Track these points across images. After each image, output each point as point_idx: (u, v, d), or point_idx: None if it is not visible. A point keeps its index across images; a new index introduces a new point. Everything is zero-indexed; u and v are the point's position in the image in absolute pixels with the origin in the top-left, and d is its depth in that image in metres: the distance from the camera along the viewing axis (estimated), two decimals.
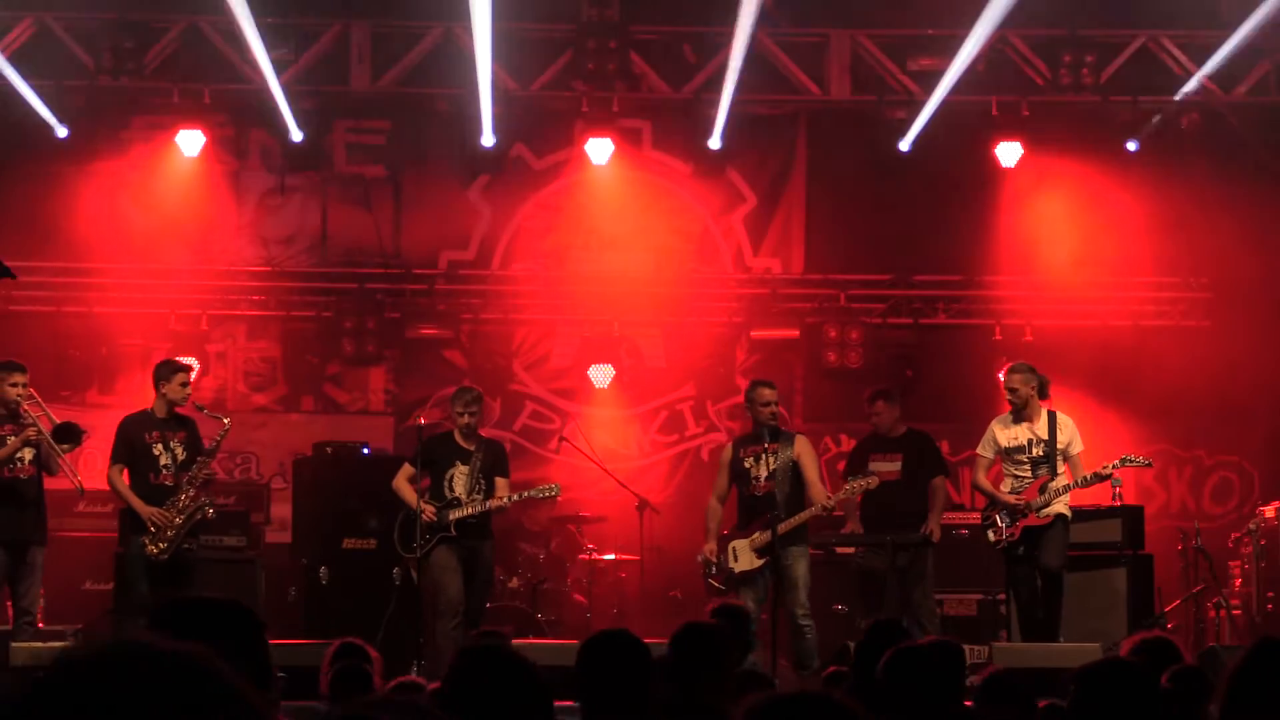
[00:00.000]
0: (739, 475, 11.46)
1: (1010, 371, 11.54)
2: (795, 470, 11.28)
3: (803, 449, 11.40)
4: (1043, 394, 11.41)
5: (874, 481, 11.73)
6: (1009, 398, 11.40)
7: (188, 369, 11.53)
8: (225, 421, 11.30)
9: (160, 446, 11.07)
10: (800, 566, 11.19)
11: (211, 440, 11.22)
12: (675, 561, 14.45)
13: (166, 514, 10.94)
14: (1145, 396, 15.02)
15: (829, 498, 11.38)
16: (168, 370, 11.25)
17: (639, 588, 13.45)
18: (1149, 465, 11.74)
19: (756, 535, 11.20)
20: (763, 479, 11.31)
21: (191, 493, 11.01)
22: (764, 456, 11.31)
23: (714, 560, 11.40)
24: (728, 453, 11.64)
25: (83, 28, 14.74)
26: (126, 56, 14.63)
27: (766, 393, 11.54)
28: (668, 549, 14.22)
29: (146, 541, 10.92)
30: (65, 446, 11.06)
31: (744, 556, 11.25)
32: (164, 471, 11.05)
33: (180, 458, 11.10)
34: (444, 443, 11.75)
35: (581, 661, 4.93)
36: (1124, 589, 12.22)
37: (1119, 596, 12.19)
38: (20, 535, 11.07)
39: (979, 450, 11.64)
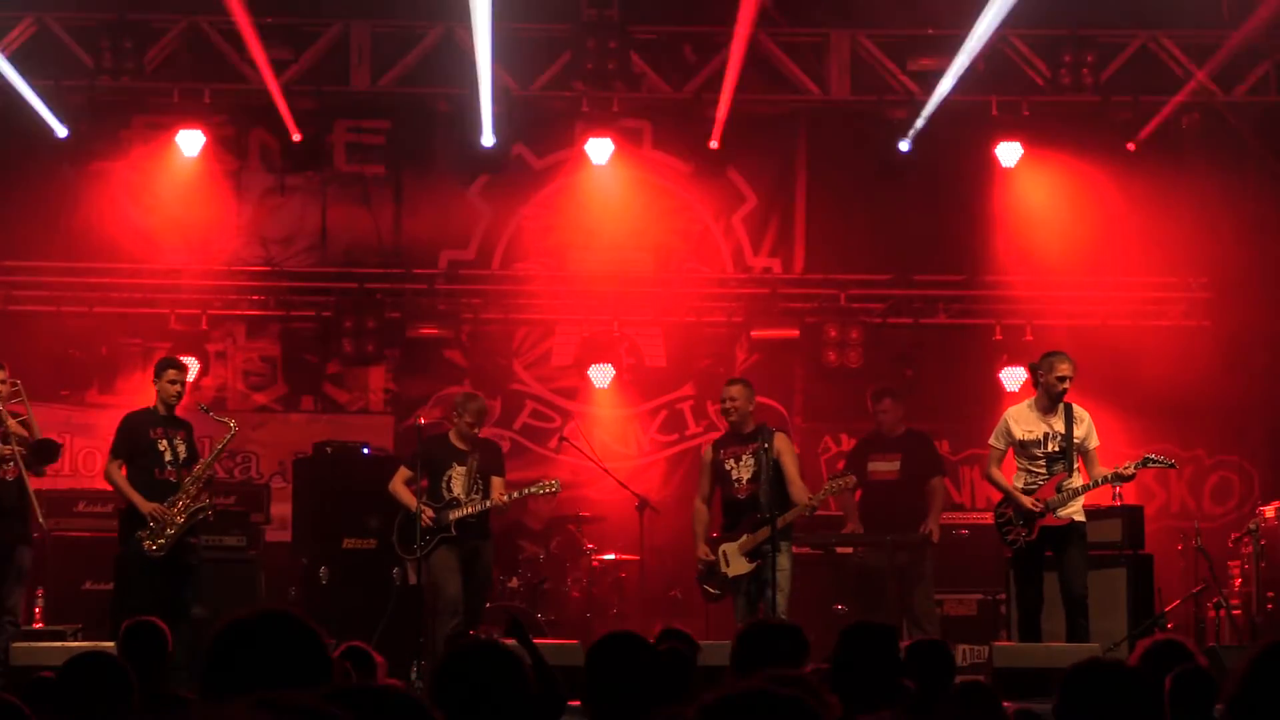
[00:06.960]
0: (720, 477, 11.29)
1: (1054, 359, 10.89)
2: (777, 469, 11.03)
3: (782, 446, 11.12)
4: None
5: (851, 481, 11.64)
6: (1059, 388, 10.75)
7: (181, 367, 11.60)
8: (232, 425, 11.40)
9: (165, 442, 11.16)
10: (782, 561, 10.92)
11: (217, 444, 11.29)
12: (675, 561, 14.45)
13: (167, 511, 10.98)
14: (1145, 396, 15.00)
15: (811, 498, 11.05)
16: (160, 367, 11.50)
17: (639, 588, 13.44)
18: (1172, 466, 11.39)
19: (745, 539, 11.02)
20: (744, 481, 11.13)
21: (194, 492, 11.07)
22: (744, 458, 11.18)
23: (709, 562, 11.25)
24: (708, 454, 11.47)
25: (83, 28, 14.72)
26: (126, 56, 14.60)
27: (729, 390, 11.45)
28: (668, 549, 14.21)
29: (144, 537, 10.94)
30: (42, 468, 11.28)
31: (735, 561, 11.08)
32: (168, 467, 11.16)
33: (183, 456, 11.18)
34: (440, 444, 11.81)
35: (589, 663, 4.93)
36: (1124, 589, 12.20)
37: (1119, 596, 12.17)
38: (5, 536, 11.08)
39: (991, 441, 11.10)
